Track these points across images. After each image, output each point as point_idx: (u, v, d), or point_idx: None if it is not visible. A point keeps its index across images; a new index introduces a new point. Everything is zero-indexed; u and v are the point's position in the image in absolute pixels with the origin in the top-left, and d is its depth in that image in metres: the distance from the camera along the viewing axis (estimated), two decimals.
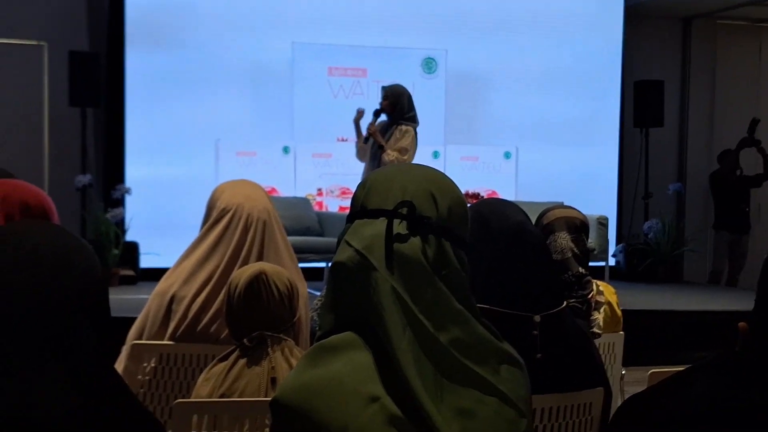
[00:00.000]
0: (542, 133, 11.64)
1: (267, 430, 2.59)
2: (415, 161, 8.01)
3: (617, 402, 3.89)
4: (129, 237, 9.97)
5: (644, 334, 7.87)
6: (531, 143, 11.56)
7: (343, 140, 10.66)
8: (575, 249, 3.94)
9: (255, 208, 3.53)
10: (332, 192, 10.93)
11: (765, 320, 1.60)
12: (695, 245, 11.98)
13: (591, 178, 11.80)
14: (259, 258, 3.42)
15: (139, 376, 3.36)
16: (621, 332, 4.46)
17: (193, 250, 3.53)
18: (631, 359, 4.99)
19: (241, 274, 2.93)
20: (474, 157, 11.45)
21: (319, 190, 10.92)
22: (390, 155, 7.90)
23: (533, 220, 4.16)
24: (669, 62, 12.84)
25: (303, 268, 3.68)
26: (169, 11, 10.58)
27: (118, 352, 3.42)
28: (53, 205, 3.17)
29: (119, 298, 7.96)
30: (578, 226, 4.00)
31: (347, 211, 1.77)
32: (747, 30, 13.31)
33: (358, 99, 10.68)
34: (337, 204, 10.81)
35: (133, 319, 3.52)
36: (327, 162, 10.95)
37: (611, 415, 1.87)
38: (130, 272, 9.88)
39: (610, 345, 4.35)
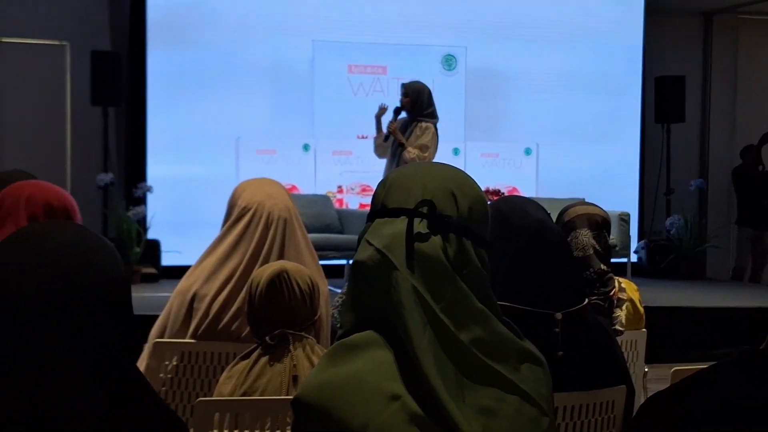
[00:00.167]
0: (563, 129, 11.60)
1: (288, 428, 2.60)
2: (435, 158, 8.01)
3: (640, 400, 3.88)
4: (150, 235, 10.00)
5: (667, 331, 7.86)
6: (551, 139, 11.52)
7: (363, 137, 10.65)
8: (597, 246, 3.94)
9: (276, 206, 3.53)
10: (352, 189, 10.94)
11: None
12: (718, 241, 11.93)
13: (612, 175, 11.75)
14: (280, 256, 3.43)
15: (161, 374, 3.36)
16: (643, 329, 4.44)
17: (214, 249, 3.53)
18: (654, 356, 4.98)
19: (263, 273, 2.93)
20: (494, 153, 11.43)
21: (340, 187, 10.92)
22: (411, 153, 7.88)
23: (554, 217, 4.16)
24: (690, 57, 12.77)
25: (323, 266, 3.68)
26: (189, 10, 10.60)
27: (140, 350, 3.44)
28: (76, 205, 3.19)
29: (141, 296, 7.99)
30: (599, 222, 3.99)
31: (367, 209, 1.77)
32: None
33: (378, 96, 10.65)
34: (357, 201, 10.81)
35: (154, 317, 3.53)
36: (347, 159, 10.95)
37: (634, 413, 1.87)
38: (152, 270, 9.91)
39: (633, 342, 4.33)
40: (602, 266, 3.92)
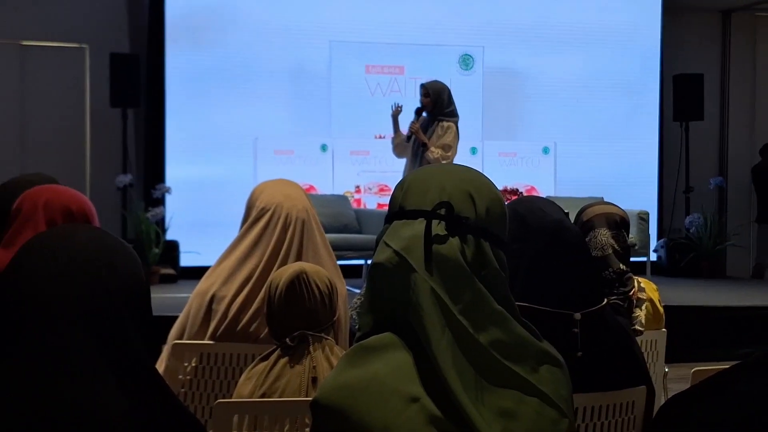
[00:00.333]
0: (581, 128, 11.59)
1: (308, 430, 2.60)
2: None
3: (660, 400, 3.87)
4: (169, 236, 10.04)
5: (687, 331, 7.83)
6: (569, 138, 11.51)
7: (380, 137, 10.66)
8: (615, 245, 3.93)
9: (294, 207, 3.54)
10: (370, 189, 10.94)
11: None
12: (738, 239, 11.89)
13: (631, 173, 11.73)
14: (298, 257, 3.44)
15: (180, 376, 3.37)
16: (663, 329, 4.43)
17: (233, 250, 3.54)
18: (674, 356, 4.96)
19: (282, 275, 2.93)
20: (512, 152, 11.42)
21: (357, 187, 10.93)
22: (434, 153, 7.88)
23: (573, 216, 4.15)
24: (708, 55, 12.74)
25: (341, 266, 3.69)
26: (208, 12, 10.64)
27: (159, 352, 3.45)
28: (94, 210, 3.20)
29: (160, 297, 8.02)
30: (618, 222, 3.99)
31: (385, 208, 1.77)
32: None
33: (396, 96, 10.67)
34: (375, 201, 10.82)
35: (173, 318, 3.55)
36: (365, 159, 10.96)
37: (654, 414, 1.86)
38: (171, 271, 9.94)
39: (653, 342, 4.32)
40: (621, 266, 3.91)
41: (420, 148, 8.00)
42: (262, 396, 2.75)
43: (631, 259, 4.13)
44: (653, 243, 11.07)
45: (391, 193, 1.78)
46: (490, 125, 11.36)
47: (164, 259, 9.88)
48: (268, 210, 3.53)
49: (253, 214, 3.56)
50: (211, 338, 3.40)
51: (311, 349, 2.82)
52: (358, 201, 10.83)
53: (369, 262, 7.63)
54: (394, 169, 9.32)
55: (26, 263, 1.65)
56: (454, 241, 1.64)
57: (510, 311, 1.64)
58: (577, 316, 2.65)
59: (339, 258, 3.80)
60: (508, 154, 11.43)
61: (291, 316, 2.87)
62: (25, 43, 10.44)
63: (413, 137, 8.10)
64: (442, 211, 1.65)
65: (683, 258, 11.32)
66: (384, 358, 1.58)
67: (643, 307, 4.05)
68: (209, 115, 10.59)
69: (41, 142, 10.45)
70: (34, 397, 1.53)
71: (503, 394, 1.58)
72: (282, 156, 10.71)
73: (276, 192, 3.59)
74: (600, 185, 10.95)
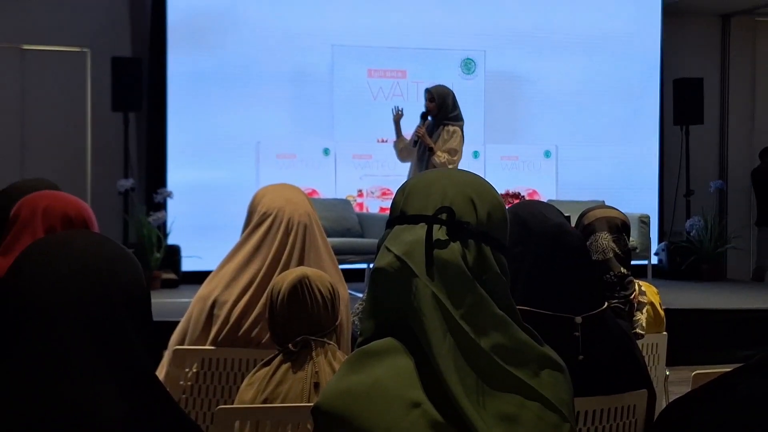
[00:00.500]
0: (582, 131, 11.60)
1: None
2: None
3: (662, 403, 3.87)
4: (171, 240, 10.04)
5: (688, 334, 7.84)
6: (571, 142, 11.52)
7: (383, 141, 10.67)
8: (616, 249, 3.94)
9: (296, 211, 3.53)
10: (373, 193, 10.95)
11: None
12: (738, 242, 11.89)
13: (632, 177, 11.74)
14: (300, 262, 3.43)
15: (182, 382, 3.36)
16: (664, 333, 4.44)
17: (235, 254, 3.54)
18: (675, 359, 4.97)
19: (284, 279, 2.93)
20: (514, 156, 11.44)
21: (360, 191, 10.94)
22: (441, 157, 7.87)
23: (574, 220, 4.16)
24: (708, 60, 12.75)
25: (344, 270, 3.69)
26: (210, 16, 10.64)
27: (160, 357, 3.45)
28: (93, 215, 3.18)
29: (161, 302, 8.02)
30: (619, 226, 4.00)
31: (388, 212, 1.77)
32: None
33: (398, 100, 10.66)
34: (377, 205, 10.82)
35: (175, 323, 3.54)
36: (367, 163, 10.97)
37: (655, 417, 1.86)
38: (172, 275, 9.94)
39: (654, 346, 4.32)
40: (622, 269, 3.92)
41: (426, 152, 8.00)
42: (264, 402, 2.74)
43: (632, 262, 4.14)
44: (654, 246, 11.07)
45: (393, 197, 1.79)
46: (492, 129, 11.36)
47: (166, 263, 9.87)
48: (270, 214, 3.52)
49: (254, 218, 3.56)
50: (212, 343, 3.39)
51: (314, 354, 2.82)
52: (361, 205, 10.83)
53: (371, 266, 7.64)
54: (396, 173, 9.32)
55: (25, 269, 1.64)
56: (456, 246, 1.64)
57: (511, 316, 1.65)
58: (578, 319, 2.65)
59: (341, 262, 3.80)
60: (510, 158, 11.44)
61: (293, 321, 2.86)
62: (26, 47, 10.45)
63: (419, 142, 8.10)
64: (444, 216, 1.65)
65: (684, 261, 11.32)
66: (385, 364, 1.59)
67: (644, 311, 4.06)
68: (211, 119, 10.59)
69: (42, 147, 10.46)
70: (34, 403, 1.53)
71: (505, 399, 1.58)
72: (284, 160, 10.71)
73: (278, 196, 3.59)
74: (601, 189, 10.97)
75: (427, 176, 1.77)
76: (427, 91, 8.25)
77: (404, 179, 1.81)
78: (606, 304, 2.79)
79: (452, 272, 1.62)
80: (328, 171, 10.89)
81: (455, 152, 7.96)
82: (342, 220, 9.62)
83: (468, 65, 11.33)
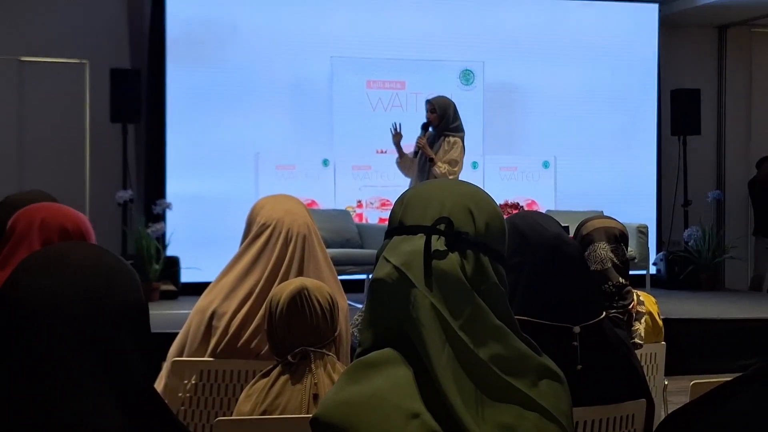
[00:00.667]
0: (580, 142, 11.62)
1: None
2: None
3: (660, 413, 3.87)
4: (170, 252, 10.03)
5: (687, 343, 7.84)
6: (569, 153, 11.54)
7: (382, 152, 10.68)
8: (615, 259, 3.94)
9: (295, 222, 3.53)
10: (372, 204, 10.95)
11: None
12: (736, 252, 11.90)
13: (630, 187, 11.76)
14: (299, 273, 3.42)
15: (180, 393, 3.36)
16: (663, 342, 4.44)
17: (233, 266, 3.54)
18: (673, 369, 4.97)
19: (282, 290, 2.92)
20: (513, 167, 11.45)
21: (359, 202, 10.94)
22: (441, 168, 7.88)
23: (573, 230, 4.17)
24: (705, 70, 12.78)
25: (343, 281, 3.68)
26: (209, 27, 10.65)
27: (159, 369, 3.44)
28: (91, 228, 3.16)
29: (160, 313, 8.02)
30: (617, 236, 4.00)
31: (387, 223, 1.78)
32: None
33: (397, 111, 10.72)
34: (377, 216, 10.82)
35: (174, 335, 3.54)
36: (366, 174, 10.97)
37: (654, 427, 1.87)
38: (171, 287, 9.93)
39: (652, 355, 4.33)
40: (621, 279, 3.92)
41: (427, 163, 8.00)
42: (263, 413, 2.74)
43: (631, 272, 4.14)
44: (652, 256, 11.09)
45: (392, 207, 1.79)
46: (491, 140, 11.37)
47: (165, 275, 9.86)
48: (268, 225, 3.52)
49: (253, 229, 3.56)
50: (211, 355, 3.38)
51: (313, 365, 2.81)
52: (360, 216, 10.83)
53: (370, 277, 7.64)
54: (395, 184, 9.32)
55: (22, 282, 1.64)
56: (454, 257, 1.64)
57: (510, 326, 1.65)
58: (577, 329, 2.66)
59: (341, 273, 3.80)
60: (509, 169, 11.45)
61: (292, 332, 2.86)
62: (24, 58, 10.45)
63: (420, 152, 8.10)
64: (442, 227, 1.65)
65: (682, 271, 11.32)
66: (384, 374, 1.58)
67: (643, 321, 4.06)
68: (210, 131, 10.59)
69: (41, 158, 10.46)
70: (31, 416, 1.53)
71: (503, 409, 1.58)
72: (283, 171, 10.71)
73: (277, 207, 3.58)
74: (599, 199, 10.97)
75: (425, 187, 1.77)
76: (428, 102, 8.25)
77: (404, 190, 1.81)
78: (604, 313, 2.80)
79: (451, 283, 1.62)
80: (327, 182, 10.89)
81: (456, 163, 7.97)
82: (341, 231, 9.63)
83: (467, 76, 11.34)
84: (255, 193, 10.07)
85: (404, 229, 1.69)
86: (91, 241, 3.11)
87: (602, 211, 8.65)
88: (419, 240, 1.65)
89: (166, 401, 1.75)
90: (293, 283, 2.95)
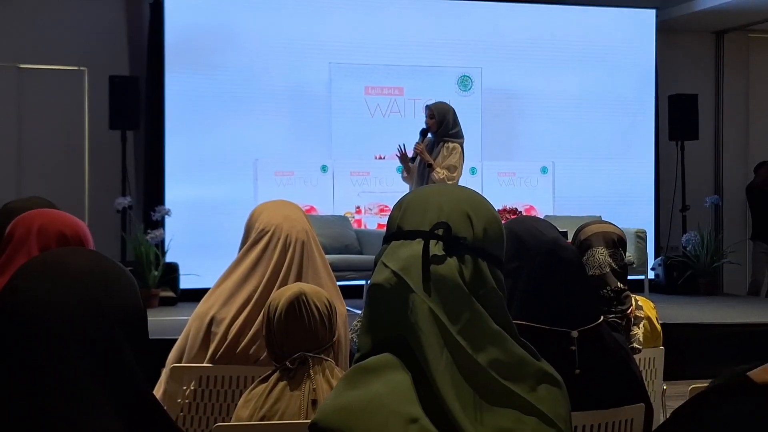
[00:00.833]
0: (578, 147, 11.64)
1: None
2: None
3: (659, 418, 3.88)
4: (169, 258, 10.03)
5: (685, 348, 7.84)
6: (567, 158, 11.56)
7: (380, 158, 10.70)
8: (613, 264, 3.95)
9: (293, 228, 3.52)
10: (371, 209, 10.96)
11: None
12: (734, 257, 11.90)
13: (628, 192, 11.78)
14: (298, 278, 3.42)
15: (179, 399, 3.35)
16: (661, 347, 4.44)
17: (232, 272, 3.53)
18: (672, 373, 4.97)
19: (280, 296, 2.92)
20: (511, 172, 11.46)
21: (358, 207, 10.94)
22: (439, 173, 7.88)
23: (571, 235, 4.18)
24: (702, 76, 12.81)
25: (342, 286, 3.68)
26: (207, 34, 10.66)
27: (157, 375, 3.44)
28: (89, 233, 3.15)
29: (159, 320, 8.03)
30: (615, 241, 4.01)
31: (385, 228, 1.78)
32: None
33: (395, 117, 10.76)
34: (375, 221, 10.83)
35: (173, 341, 3.54)
36: (365, 180, 10.98)
37: None
38: (170, 293, 9.92)
39: (651, 360, 4.33)
40: (619, 284, 3.93)
41: (426, 169, 8.01)
42: (262, 419, 2.73)
43: (629, 277, 4.15)
44: (651, 261, 11.10)
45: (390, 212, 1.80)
46: (489, 145, 11.38)
47: (164, 281, 9.86)
48: (267, 231, 3.51)
49: (252, 235, 3.55)
50: (210, 361, 3.37)
51: (311, 371, 2.81)
52: (359, 221, 10.84)
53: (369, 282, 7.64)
54: (394, 190, 9.33)
55: (21, 288, 1.64)
56: (452, 262, 1.64)
57: (508, 331, 1.65)
58: (574, 333, 2.66)
59: (340, 279, 3.80)
60: (507, 174, 11.46)
61: (291, 338, 2.85)
62: (23, 65, 10.46)
63: (418, 158, 8.11)
64: (440, 232, 1.66)
65: (680, 276, 11.32)
66: (383, 379, 1.58)
67: (641, 325, 4.07)
68: (209, 137, 10.60)
69: (40, 165, 10.46)
70: (30, 422, 1.53)
71: (502, 414, 1.58)
72: (282, 177, 10.72)
73: (275, 213, 3.58)
74: (597, 204, 11.00)
75: (423, 192, 1.77)
76: (428, 107, 8.26)
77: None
78: (602, 317, 2.80)
79: (449, 287, 1.62)
80: (326, 188, 10.90)
81: (454, 169, 7.97)
82: (340, 237, 9.64)
83: (465, 82, 11.35)
84: (254, 199, 10.07)
85: (402, 234, 1.69)
86: (89, 247, 3.09)
87: (600, 216, 8.66)
88: (417, 245, 1.65)
89: (165, 407, 1.75)
90: (291, 289, 2.94)
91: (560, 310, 2.68)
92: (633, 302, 4.04)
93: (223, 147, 10.61)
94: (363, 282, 9.33)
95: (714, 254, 11.48)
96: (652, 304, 4.46)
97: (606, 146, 11.78)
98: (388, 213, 1.78)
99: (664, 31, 12.15)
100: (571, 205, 11.06)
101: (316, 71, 10.94)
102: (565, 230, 5.78)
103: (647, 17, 12.01)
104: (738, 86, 13.00)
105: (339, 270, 7.74)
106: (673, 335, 6.26)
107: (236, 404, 2.89)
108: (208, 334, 3.40)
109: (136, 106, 10.36)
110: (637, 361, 3.48)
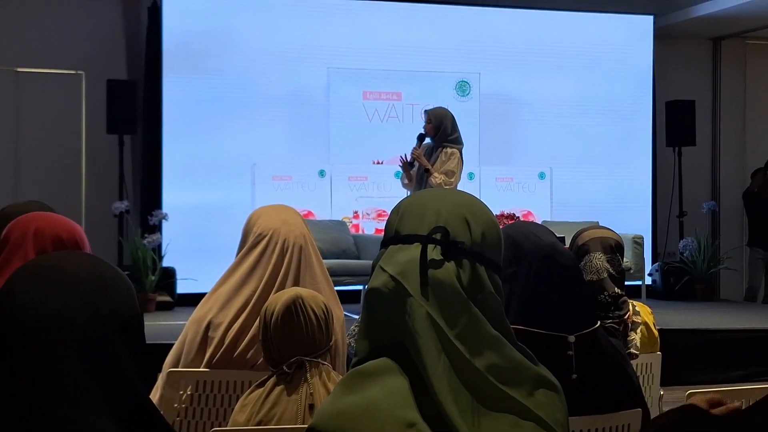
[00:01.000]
0: (576, 153, 11.65)
1: None
2: None
3: None
4: (166, 263, 10.02)
5: (682, 354, 7.84)
6: (565, 164, 11.57)
7: (378, 163, 10.70)
8: (610, 269, 3.95)
9: (291, 233, 3.52)
10: (368, 214, 10.96)
11: None
12: (731, 263, 11.92)
13: (625, 198, 11.80)
14: (296, 283, 3.41)
15: (176, 404, 3.34)
16: (658, 352, 4.44)
17: (230, 276, 3.52)
18: (669, 379, 4.97)
19: (277, 300, 2.91)
20: (509, 178, 11.47)
21: (356, 212, 10.94)
22: (437, 178, 7.87)
23: (568, 240, 4.18)
24: (699, 82, 12.84)
25: (340, 291, 3.67)
26: (205, 38, 10.66)
27: (154, 380, 3.43)
28: (85, 237, 3.15)
29: (156, 324, 8.02)
30: (613, 246, 4.01)
31: (383, 233, 1.77)
32: None
33: (393, 122, 10.76)
34: (373, 226, 10.82)
35: (169, 346, 3.53)
36: (363, 185, 10.98)
37: None
38: (167, 298, 9.92)
39: (648, 365, 4.33)
40: (616, 290, 3.93)
41: (423, 174, 8.01)
42: (259, 424, 2.73)
43: (626, 282, 4.15)
44: (648, 267, 11.10)
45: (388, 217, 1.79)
46: (487, 151, 11.38)
47: (161, 286, 9.84)
48: (265, 236, 3.51)
49: (250, 239, 3.54)
50: (207, 365, 3.36)
51: (308, 375, 2.80)
52: (357, 226, 10.83)
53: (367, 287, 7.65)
54: (392, 195, 9.33)
55: (17, 291, 1.63)
56: (450, 266, 1.64)
57: (506, 335, 1.64)
58: (571, 338, 2.66)
59: (337, 284, 3.80)
60: (505, 179, 11.47)
61: (287, 342, 2.85)
62: (21, 69, 10.46)
63: (416, 163, 8.10)
64: (438, 236, 1.65)
65: (677, 281, 11.34)
66: (380, 384, 1.58)
67: (638, 331, 4.07)
68: (207, 142, 10.60)
69: (37, 169, 10.45)
70: (26, 425, 1.52)
71: (499, 419, 1.58)
72: (280, 182, 10.72)
73: (273, 218, 3.57)
74: (595, 210, 11.01)
75: (421, 196, 1.77)
76: (426, 112, 8.26)
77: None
78: (599, 323, 2.80)
79: (447, 292, 1.61)
80: (323, 193, 10.90)
81: (452, 174, 7.96)
82: (338, 242, 9.64)
83: (462, 87, 11.36)
84: (251, 203, 10.08)
85: (400, 238, 1.69)
86: (85, 250, 3.09)
87: (598, 222, 8.66)
88: (415, 249, 1.65)
89: (162, 412, 1.74)
90: (288, 293, 2.94)
91: (557, 315, 2.68)
92: (630, 308, 4.04)
93: (221, 151, 10.61)
94: (361, 287, 9.33)
95: (711, 260, 11.49)
96: (649, 310, 4.46)
97: (603, 152, 11.79)
98: (386, 218, 1.77)
99: (661, 37, 12.17)
100: (569, 210, 11.07)
101: (314, 76, 10.95)
102: (562, 236, 5.78)
103: (645, 23, 12.03)
104: (735, 92, 13.02)
105: (337, 275, 7.74)
106: (670, 341, 6.25)
107: (233, 409, 2.88)
108: (205, 339, 3.39)
109: (134, 110, 10.35)
110: (635, 367, 3.48)
